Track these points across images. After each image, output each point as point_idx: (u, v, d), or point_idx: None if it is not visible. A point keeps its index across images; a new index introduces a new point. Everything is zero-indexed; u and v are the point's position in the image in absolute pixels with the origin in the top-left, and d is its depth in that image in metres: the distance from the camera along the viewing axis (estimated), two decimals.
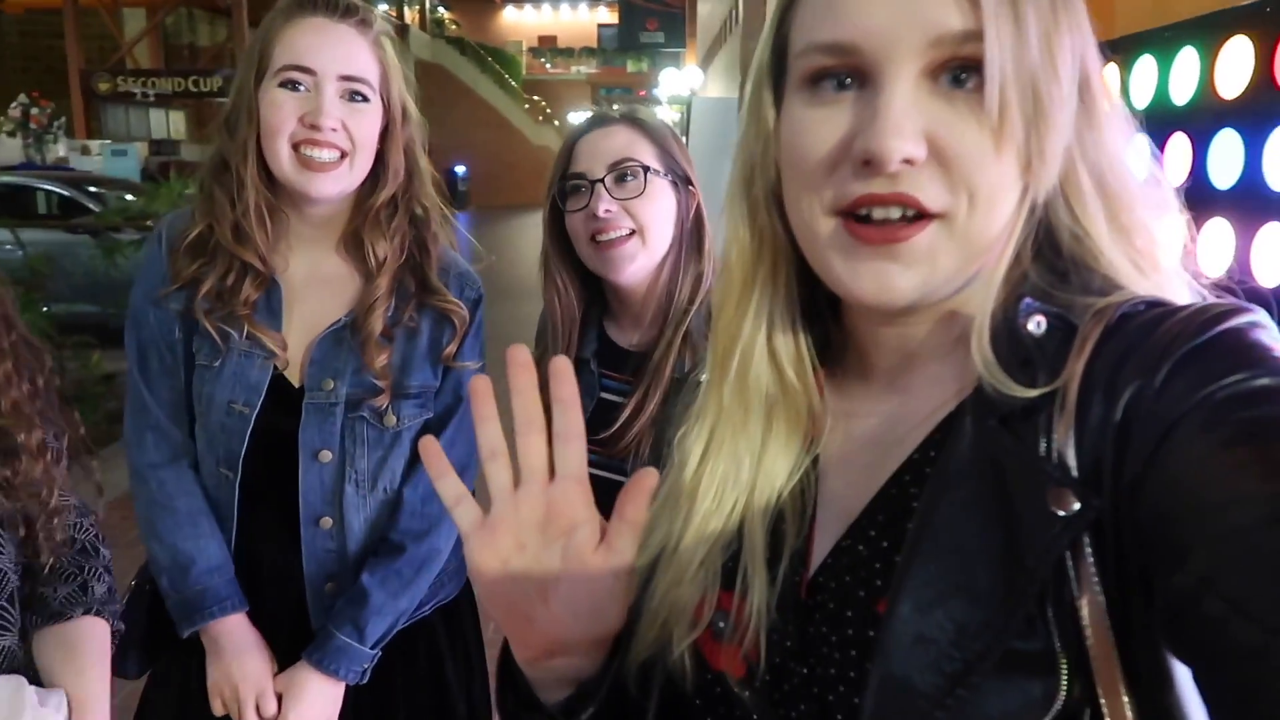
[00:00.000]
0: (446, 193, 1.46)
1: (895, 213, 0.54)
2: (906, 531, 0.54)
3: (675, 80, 25.10)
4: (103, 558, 1.22)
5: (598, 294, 1.48)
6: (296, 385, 1.34)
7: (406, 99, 1.36)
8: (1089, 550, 0.48)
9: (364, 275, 1.36)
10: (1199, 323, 0.48)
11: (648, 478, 0.57)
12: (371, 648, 1.33)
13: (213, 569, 1.32)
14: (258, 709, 1.33)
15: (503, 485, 0.59)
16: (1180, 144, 1.22)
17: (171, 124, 24.51)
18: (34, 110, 16.78)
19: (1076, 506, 0.48)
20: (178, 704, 1.40)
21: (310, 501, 1.34)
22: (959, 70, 0.53)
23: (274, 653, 1.36)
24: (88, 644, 1.15)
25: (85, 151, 16.75)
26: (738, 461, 0.65)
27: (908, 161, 0.53)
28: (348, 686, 1.35)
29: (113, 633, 1.19)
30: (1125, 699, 0.48)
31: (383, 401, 1.33)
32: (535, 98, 37.31)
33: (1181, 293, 0.57)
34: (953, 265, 0.55)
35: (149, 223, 7.06)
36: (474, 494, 0.60)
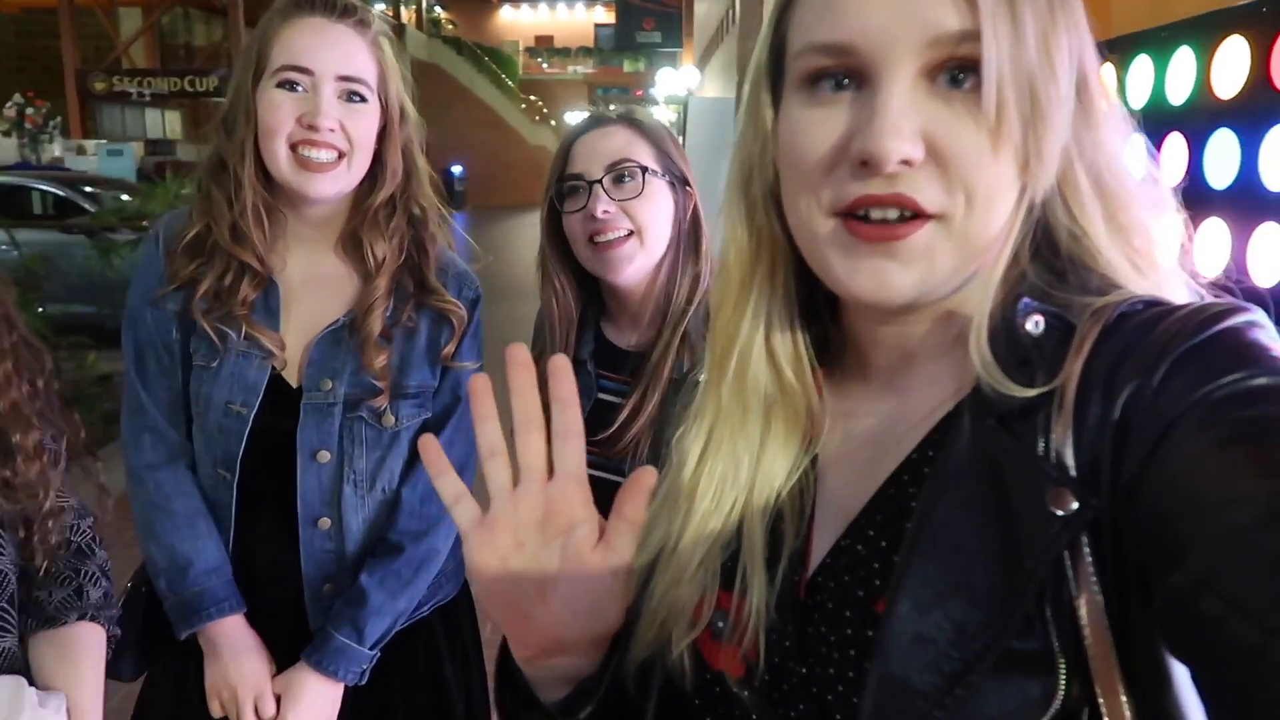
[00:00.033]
0: (444, 193, 1.46)
1: (893, 213, 0.54)
2: (905, 531, 0.54)
3: (672, 80, 25.07)
4: (99, 560, 1.22)
5: (595, 295, 1.48)
6: (294, 385, 1.34)
7: (404, 99, 1.36)
8: (1087, 550, 0.48)
9: (362, 275, 1.36)
10: (1197, 322, 0.48)
11: (646, 477, 0.57)
12: (370, 648, 1.33)
13: (210, 570, 1.32)
14: (256, 710, 1.33)
15: (502, 484, 0.59)
16: (1176, 144, 1.23)
17: (167, 124, 24.49)
18: (29, 110, 16.74)
19: (1075, 506, 0.48)
20: (174, 706, 1.39)
21: (308, 502, 1.34)
22: (956, 70, 0.53)
23: (272, 654, 1.36)
24: (82, 650, 1.15)
25: (81, 151, 16.71)
26: (736, 461, 0.65)
27: (905, 162, 0.53)
28: (346, 687, 1.35)
29: (108, 638, 1.19)
30: (1124, 699, 0.48)
31: (381, 402, 1.33)
32: (532, 97, 37.32)
33: (1179, 292, 0.57)
34: (951, 264, 0.55)
35: (145, 223, 7.06)
36: (472, 493, 0.60)
